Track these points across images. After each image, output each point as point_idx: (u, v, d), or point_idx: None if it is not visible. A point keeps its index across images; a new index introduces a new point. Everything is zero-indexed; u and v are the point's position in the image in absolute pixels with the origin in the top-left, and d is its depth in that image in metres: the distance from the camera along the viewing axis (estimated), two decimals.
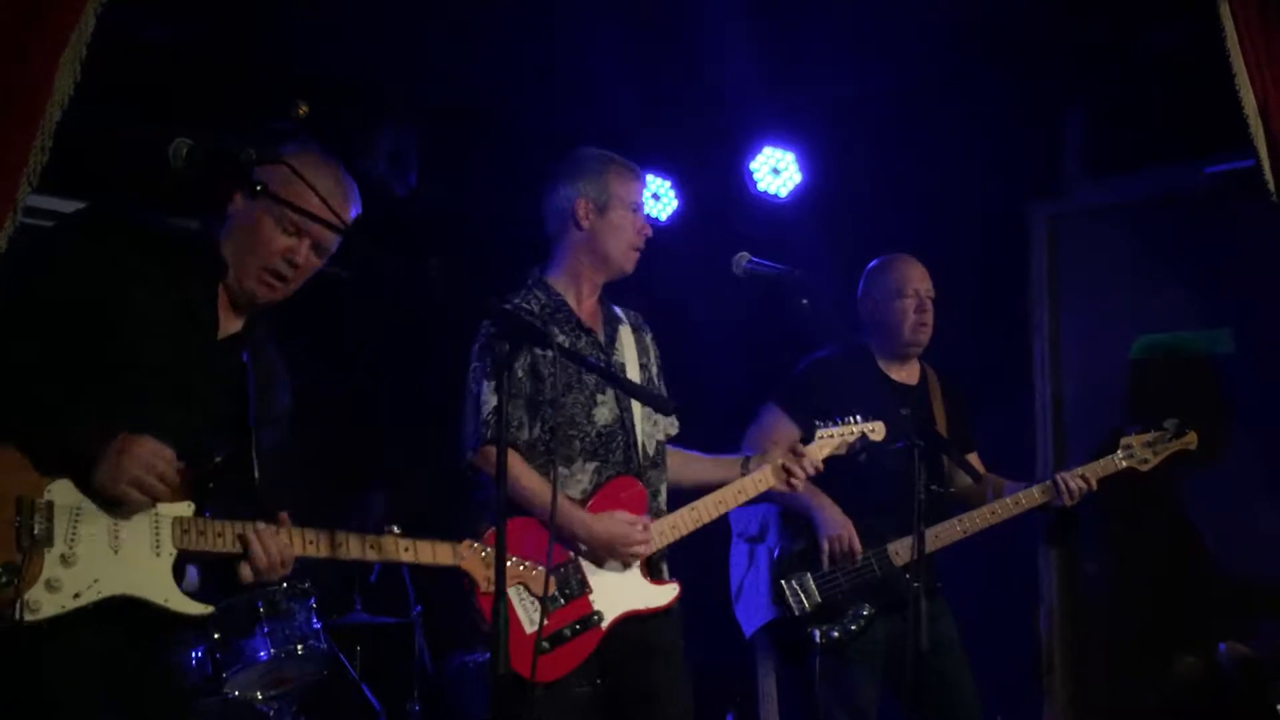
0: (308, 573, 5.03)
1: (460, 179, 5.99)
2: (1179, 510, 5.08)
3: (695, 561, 3.65)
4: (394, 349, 6.06)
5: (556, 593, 3.28)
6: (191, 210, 2.72)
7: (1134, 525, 5.19)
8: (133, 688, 2.53)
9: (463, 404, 3.37)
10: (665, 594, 3.42)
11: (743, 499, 3.55)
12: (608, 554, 3.31)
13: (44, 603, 2.35)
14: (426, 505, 6.09)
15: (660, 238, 5.91)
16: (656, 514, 3.47)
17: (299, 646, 4.73)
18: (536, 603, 3.20)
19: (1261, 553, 4.82)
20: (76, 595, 2.38)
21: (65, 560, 2.37)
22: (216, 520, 2.54)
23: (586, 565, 3.34)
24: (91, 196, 2.85)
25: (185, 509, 2.52)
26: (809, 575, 3.92)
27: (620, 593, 3.34)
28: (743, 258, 3.57)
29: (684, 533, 3.47)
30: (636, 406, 3.45)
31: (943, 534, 3.94)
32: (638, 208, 3.51)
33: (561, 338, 3.37)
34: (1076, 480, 3.99)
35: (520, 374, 3.32)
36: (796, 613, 3.89)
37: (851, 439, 3.65)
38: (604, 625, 3.31)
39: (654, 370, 3.63)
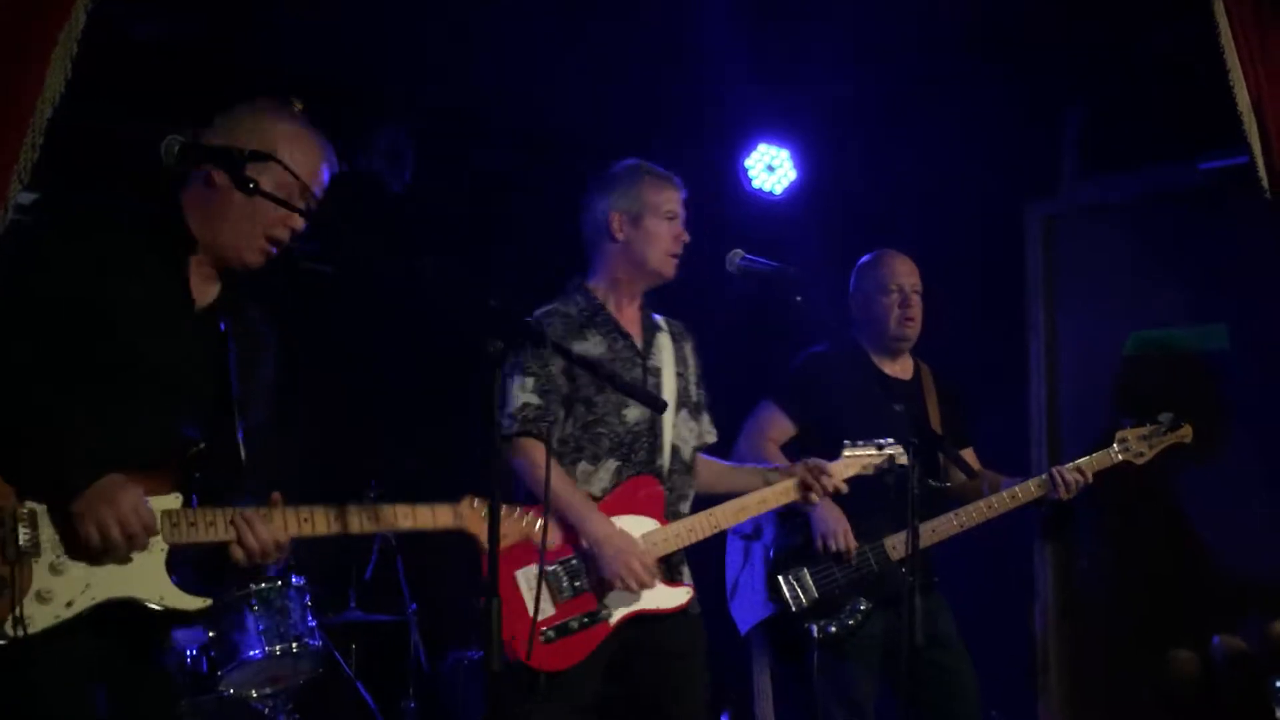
0: (303, 570, 5.03)
1: (457, 178, 5.99)
2: (1174, 506, 5.08)
3: (690, 559, 3.65)
4: (390, 347, 6.05)
5: (568, 584, 3.31)
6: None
7: (1129, 521, 5.20)
8: (127, 694, 2.49)
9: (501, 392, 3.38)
10: (678, 596, 3.43)
11: (764, 509, 3.60)
12: (604, 565, 3.30)
13: (36, 616, 2.29)
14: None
15: None
16: (675, 518, 3.50)
17: (294, 644, 4.73)
18: (546, 590, 3.25)
19: (1256, 548, 4.82)
20: (69, 604, 2.33)
21: (55, 569, 2.32)
22: (206, 509, 2.48)
23: None
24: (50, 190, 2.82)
25: (173, 501, 2.47)
26: (806, 570, 3.92)
27: (630, 591, 3.35)
28: (737, 255, 3.58)
29: (700, 537, 3.50)
30: (670, 411, 3.49)
31: (939, 528, 3.94)
32: (673, 215, 3.56)
33: (597, 340, 3.46)
34: (1073, 473, 3.99)
35: (556, 372, 3.39)
36: (794, 608, 3.90)
37: (878, 460, 3.69)
38: (612, 621, 3.32)
39: (692, 380, 3.67)
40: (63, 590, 2.33)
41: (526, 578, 3.25)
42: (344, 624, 5.42)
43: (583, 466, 3.40)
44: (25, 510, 2.32)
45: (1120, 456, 4.07)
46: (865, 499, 3.87)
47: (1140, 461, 4.09)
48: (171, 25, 4.69)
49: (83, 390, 2.42)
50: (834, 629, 3.90)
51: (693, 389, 3.66)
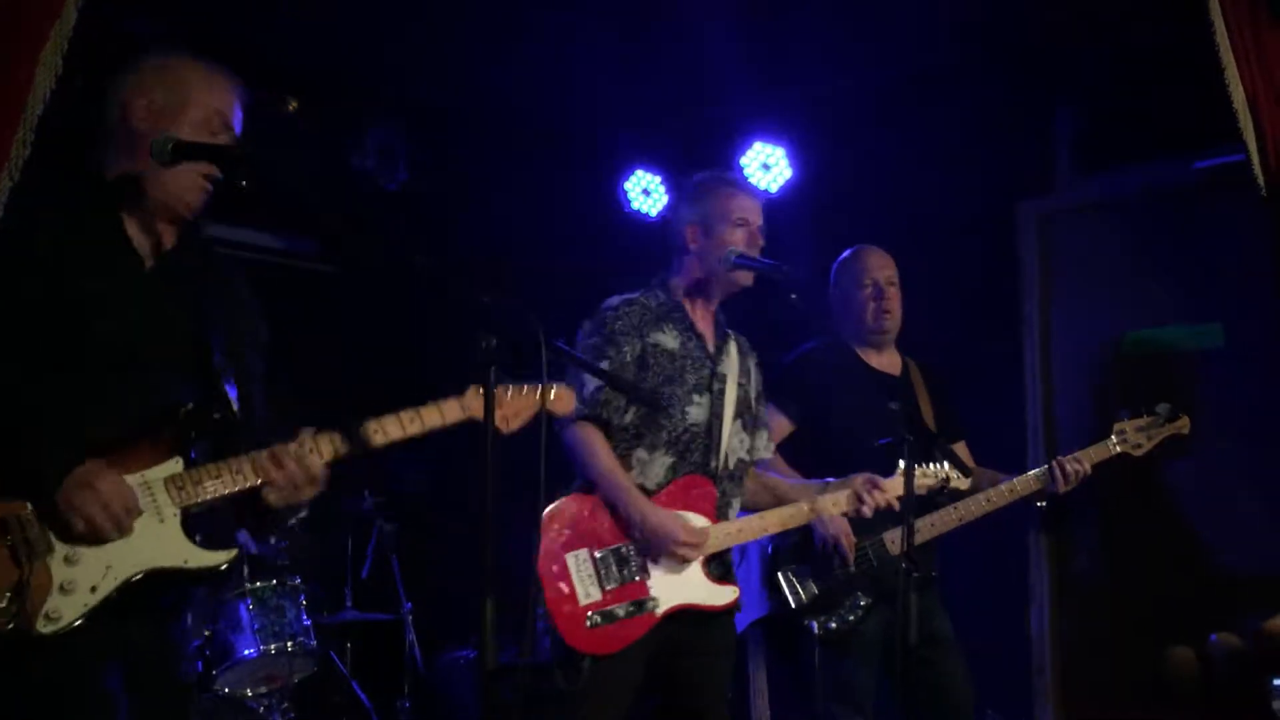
0: (298, 569, 5.03)
1: (449, 175, 5.99)
2: (1171, 505, 5.09)
3: None
4: (385, 345, 6.05)
5: (617, 571, 3.39)
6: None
7: (1126, 521, 5.20)
8: (146, 678, 2.48)
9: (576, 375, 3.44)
10: (723, 595, 3.51)
11: (812, 517, 3.67)
12: (657, 546, 3.39)
13: (64, 608, 2.31)
14: (423, 502, 6.10)
15: (651, 233, 5.97)
16: (724, 520, 3.57)
17: (289, 643, 4.74)
18: (594, 574, 3.35)
19: (1252, 547, 4.83)
20: (94, 589, 2.34)
21: (70, 560, 2.34)
22: (209, 465, 2.47)
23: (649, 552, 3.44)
24: None
25: (174, 466, 2.45)
26: (806, 568, 3.93)
27: (678, 584, 3.44)
28: (731, 252, 3.59)
29: (748, 539, 3.62)
30: (729, 417, 3.59)
31: (939, 522, 3.95)
32: (743, 222, 3.62)
33: (673, 335, 3.56)
34: (1073, 464, 4.00)
35: (630, 360, 3.48)
36: (793, 605, 3.90)
37: (933, 482, 3.72)
38: (658, 612, 3.40)
39: (753, 393, 3.75)
40: (84, 578, 2.34)
41: (577, 560, 3.35)
42: (339, 623, 5.42)
43: (639, 454, 3.48)
44: (29, 511, 2.32)
45: (1118, 448, 4.08)
46: None
47: (1138, 453, 4.09)
48: (164, 22, 4.68)
49: (51, 380, 2.41)
50: (835, 625, 3.91)
51: (752, 403, 3.74)
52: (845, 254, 4.36)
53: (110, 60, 2.65)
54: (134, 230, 2.57)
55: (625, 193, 6.14)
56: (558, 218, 6.16)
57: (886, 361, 4.29)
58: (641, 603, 3.38)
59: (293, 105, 5.39)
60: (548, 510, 3.39)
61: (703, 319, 3.67)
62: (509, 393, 2.70)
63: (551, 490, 3.43)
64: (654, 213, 6.07)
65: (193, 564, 2.44)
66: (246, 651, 4.66)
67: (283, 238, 6.15)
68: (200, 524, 2.48)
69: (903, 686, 3.66)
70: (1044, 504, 4.16)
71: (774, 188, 5.80)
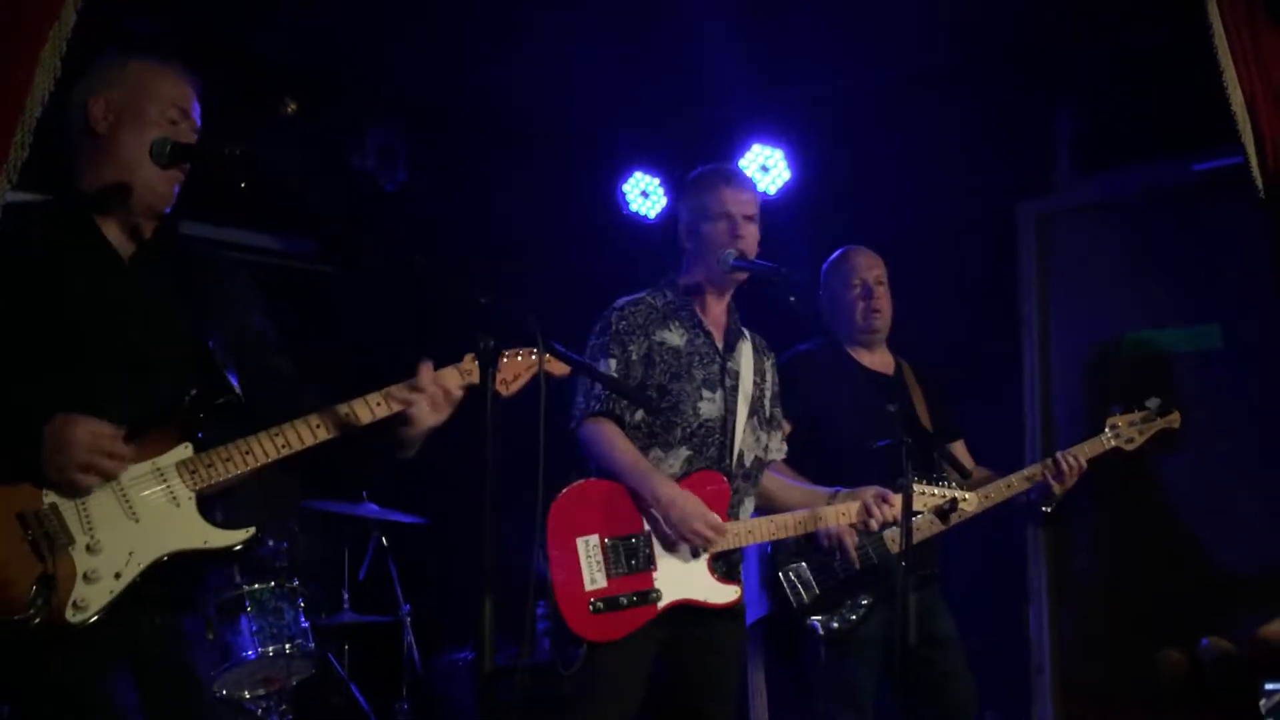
0: (297, 572, 5.02)
1: (448, 175, 5.99)
2: (1168, 508, 5.08)
3: None
4: (385, 346, 6.04)
5: (624, 560, 3.41)
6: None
7: (1124, 523, 5.19)
8: (157, 673, 2.50)
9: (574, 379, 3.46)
10: (727, 593, 3.52)
11: (821, 525, 3.69)
12: (672, 526, 3.40)
13: (91, 597, 2.35)
14: (422, 504, 6.09)
15: (650, 234, 5.97)
16: (736, 519, 3.58)
17: (287, 645, 4.73)
18: (602, 560, 3.38)
19: (1251, 547, 4.82)
20: (118, 575, 2.37)
21: (92, 549, 2.37)
22: (220, 448, 2.51)
23: (657, 544, 3.45)
24: None
25: (185, 451, 2.49)
26: (805, 566, 3.93)
27: (682, 579, 3.46)
28: (730, 255, 3.59)
29: (759, 540, 3.64)
30: (742, 414, 3.62)
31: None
32: (725, 215, 3.63)
33: (679, 332, 3.59)
34: (1068, 459, 4.01)
35: (636, 358, 3.52)
36: (795, 604, 3.90)
37: (941, 502, 3.74)
38: (660, 605, 3.41)
39: (767, 393, 3.78)
40: (107, 565, 2.37)
41: (586, 545, 3.37)
42: (338, 625, 5.42)
43: (655, 454, 3.52)
44: (46, 506, 2.36)
45: (1111, 443, 4.09)
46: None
47: (1130, 447, 4.11)
48: (164, 22, 4.68)
49: (50, 381, 2.44)
50: (836, 625, 3.91)
51: (766, 402, 3.76)
52: (834, 255, 4.39)
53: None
54: (111, 231, 2.59)
55: (624, 195, 6.14)
56: (557, 219, 6.16)
57: (879, 361, 4.30)
58: (645, 593, 3.41)
59: (292, 106, 5.38)
60: (563, 491, 3.41)
61: (713, 316, 3.70)
62: (505, 357, 2.74)
63: (551, 490, 3.43)
64: (653, 215, 6.06)
65: (213, 544, 2.48)
66: (245, 654, 4.66)
67: (282, 239, 6.15)
68: (217, 505, 2.53)
69: (902, 686, 3.66)
70: (1048, 509, 4.15)
71: (772, 190, 5.80)
